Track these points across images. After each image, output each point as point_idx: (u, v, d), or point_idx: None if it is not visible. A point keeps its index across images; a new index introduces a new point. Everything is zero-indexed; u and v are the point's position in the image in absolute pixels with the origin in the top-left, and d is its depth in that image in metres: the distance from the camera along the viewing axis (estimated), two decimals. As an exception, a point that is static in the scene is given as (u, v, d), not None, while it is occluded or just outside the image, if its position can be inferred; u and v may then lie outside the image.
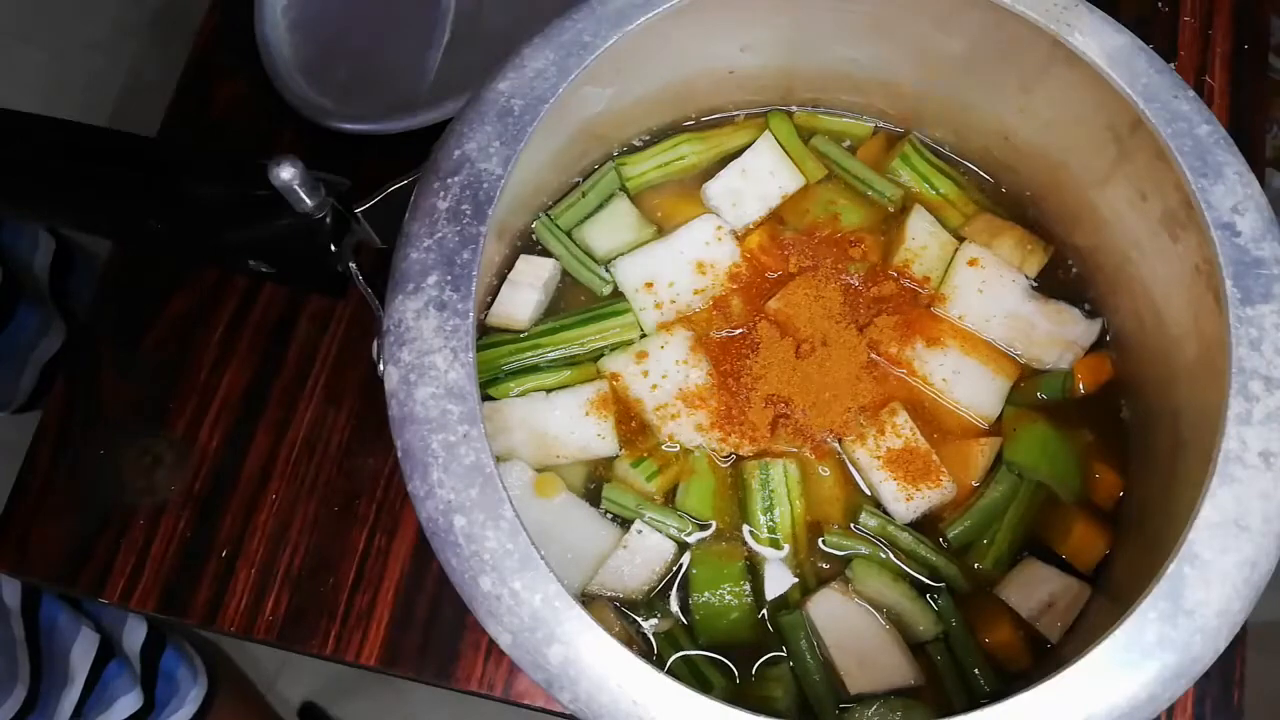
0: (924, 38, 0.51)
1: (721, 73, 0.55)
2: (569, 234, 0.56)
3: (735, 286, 0.55)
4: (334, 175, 0.46)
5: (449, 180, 0.43)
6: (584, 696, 0.36)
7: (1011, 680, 0.48)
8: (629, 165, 0.57)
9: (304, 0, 0.68)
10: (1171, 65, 0.46)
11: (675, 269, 0.54)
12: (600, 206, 0.56)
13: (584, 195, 0.56)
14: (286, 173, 0.42)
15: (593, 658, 0.36)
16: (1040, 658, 0.48)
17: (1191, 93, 0.45)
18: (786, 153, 0.57)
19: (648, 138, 0.58)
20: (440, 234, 0.42)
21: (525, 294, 0.53)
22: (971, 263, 0.55)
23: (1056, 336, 0.54)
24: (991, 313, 0.54)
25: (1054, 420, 0.52)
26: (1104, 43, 0.46)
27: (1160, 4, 0.72)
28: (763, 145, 0.57)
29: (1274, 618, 0.50)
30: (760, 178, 0.56)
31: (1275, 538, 0.38)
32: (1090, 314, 0.54)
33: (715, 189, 0.56)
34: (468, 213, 0.42)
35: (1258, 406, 0.40)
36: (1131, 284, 0.51)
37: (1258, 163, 0.69)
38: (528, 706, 0.58)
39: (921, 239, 0.55)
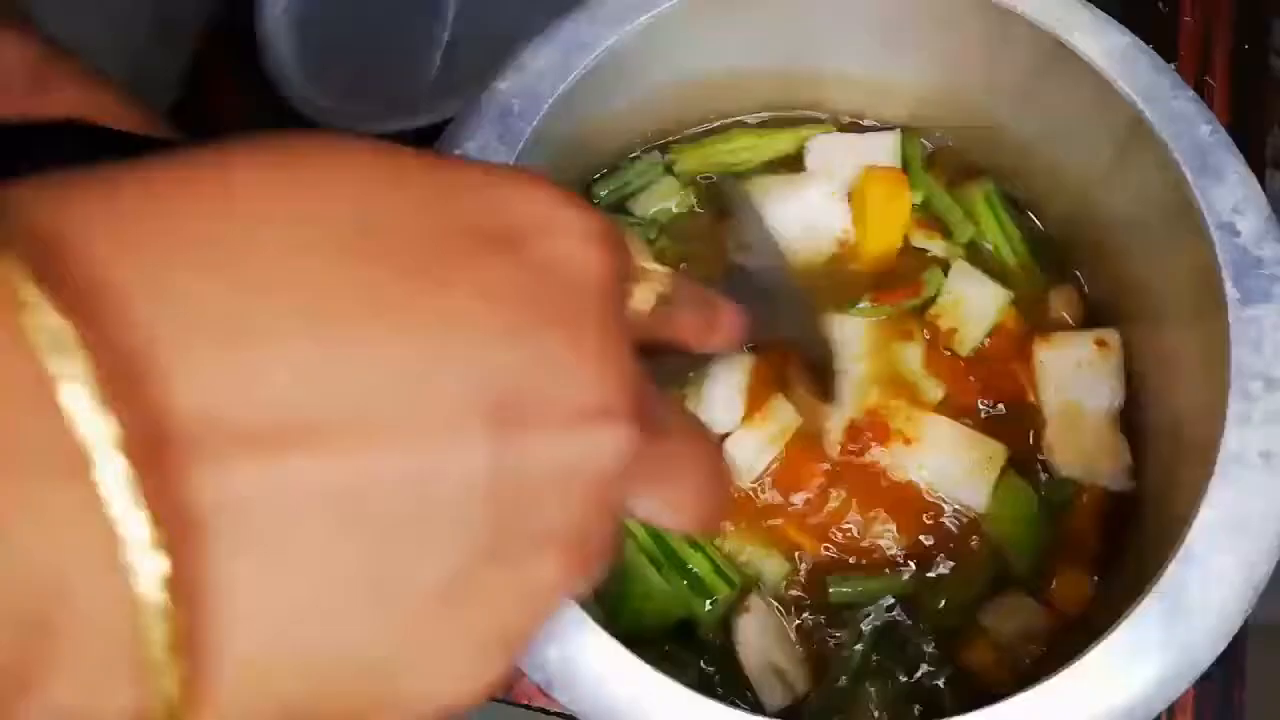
0: (924, 38, 0.51)
1: (721, 73, 0.55)
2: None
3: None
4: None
5: (449, 181, 0.43)
6: (583, 697, 0.36)
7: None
8: (682, 158, 0.57)
9: (304, 0, 0.68)
10: (1172, 65, 0.46)
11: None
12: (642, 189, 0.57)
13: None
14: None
15: (591, 657, 0.36)
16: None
17: (1191, 92, 0.44)
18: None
19: (650, 138, 0.58)
20: (440, 235, 0.42)
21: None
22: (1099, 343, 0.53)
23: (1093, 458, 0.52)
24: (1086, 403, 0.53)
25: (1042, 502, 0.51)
26: (1104, 43, 0.46)
27: (1160, 4, 0.72)
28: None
29: (1274, 618, 0.50)
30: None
31: (1275, 538, 0.38)
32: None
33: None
34: (468, 214, 0.42)
35: (1258, 407, 0.40)
36: (1130, 285, 0.51)
37: (1258, 163, 0.69)
38: (527, 706, 0.58)
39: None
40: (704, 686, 0.47)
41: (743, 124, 0.59)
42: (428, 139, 0.47)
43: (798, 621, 0.49)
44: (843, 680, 0.48)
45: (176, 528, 0.15)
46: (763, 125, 0.59)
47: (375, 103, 0.65)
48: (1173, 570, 0.38)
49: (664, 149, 0.58)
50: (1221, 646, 0.37)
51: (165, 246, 0.17)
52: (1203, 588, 0.37)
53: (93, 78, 0.43)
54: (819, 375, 0.48)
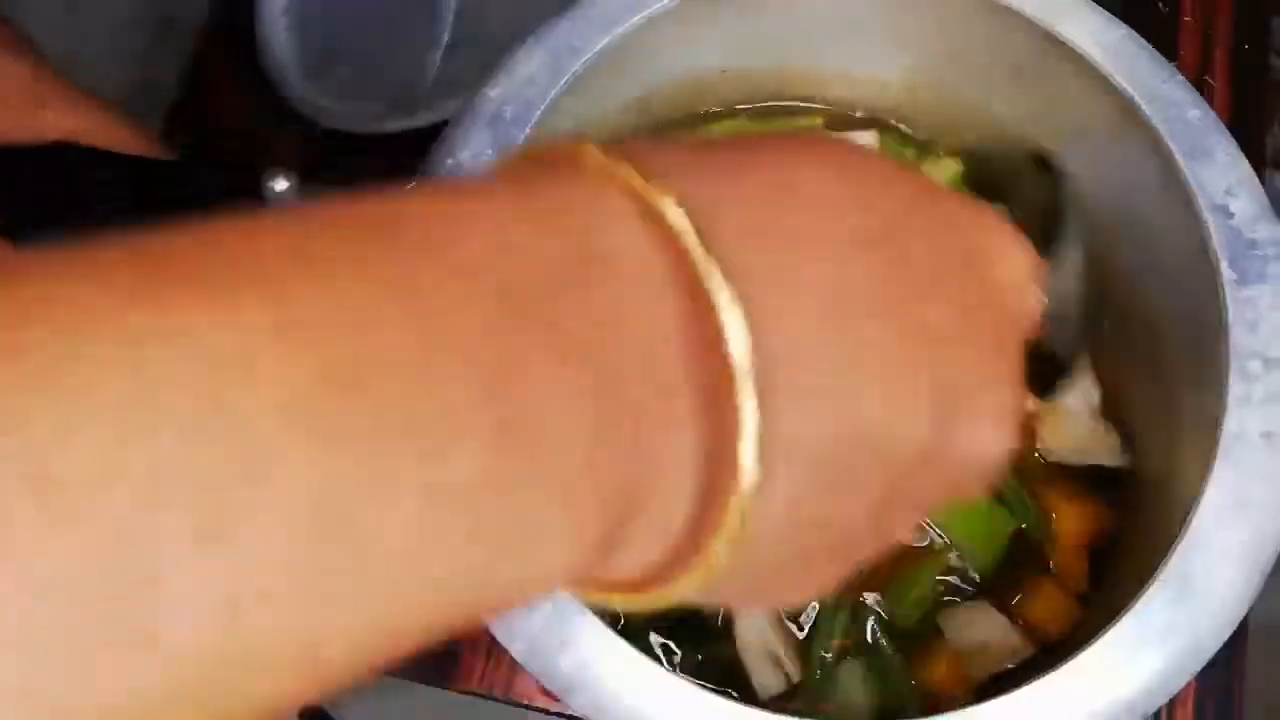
0: (918, 32, 0.51)
1: (714, 71, 0.55)
2: None
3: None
4: (330, 186, 0.46)
5: (444, 189, 0.43)
6: (598, 703, 0.36)
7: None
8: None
9: (304, 0, 0.68)
10: (1172, 65, 0.46)
11: None
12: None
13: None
14: (281, 185, 0.42)
15: (608, 663, 0.36)
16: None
17: (1181, 78, 0.45)
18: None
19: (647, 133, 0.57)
20: (436, 242, 0.42)
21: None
22: None
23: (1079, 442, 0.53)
24: None
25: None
26: (1094, 32, 0.46)
27: (1160, 4, 0.72)
28: None
29: (1274, 617, 0.50)
30: None
31: (1278, 520, 0.38)
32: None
33: None
34: (463, 221, 0.42)
35: (1257, 387, 0.40)
36: (1124, 271, 0.51)
37: (1258, 163, 0.69)
38: (527, 706, 0.57)
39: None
40: (697, 671, 0.47)
41: (736, 111, 0.58)
42: (427, 139, 0.46)
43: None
44: (824, 667, 0.48)
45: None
46: (755, 114, 0.58)
47: (375, 103, 0.66)
48: (1178, 555, 0.37)
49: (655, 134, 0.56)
50: (1228, 632, 0.37)
51: (764, 232, 0.21)
52: (1209, 572, 0.37)
53: (87, 98, 0.43)
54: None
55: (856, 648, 0.49)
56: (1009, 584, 0.50)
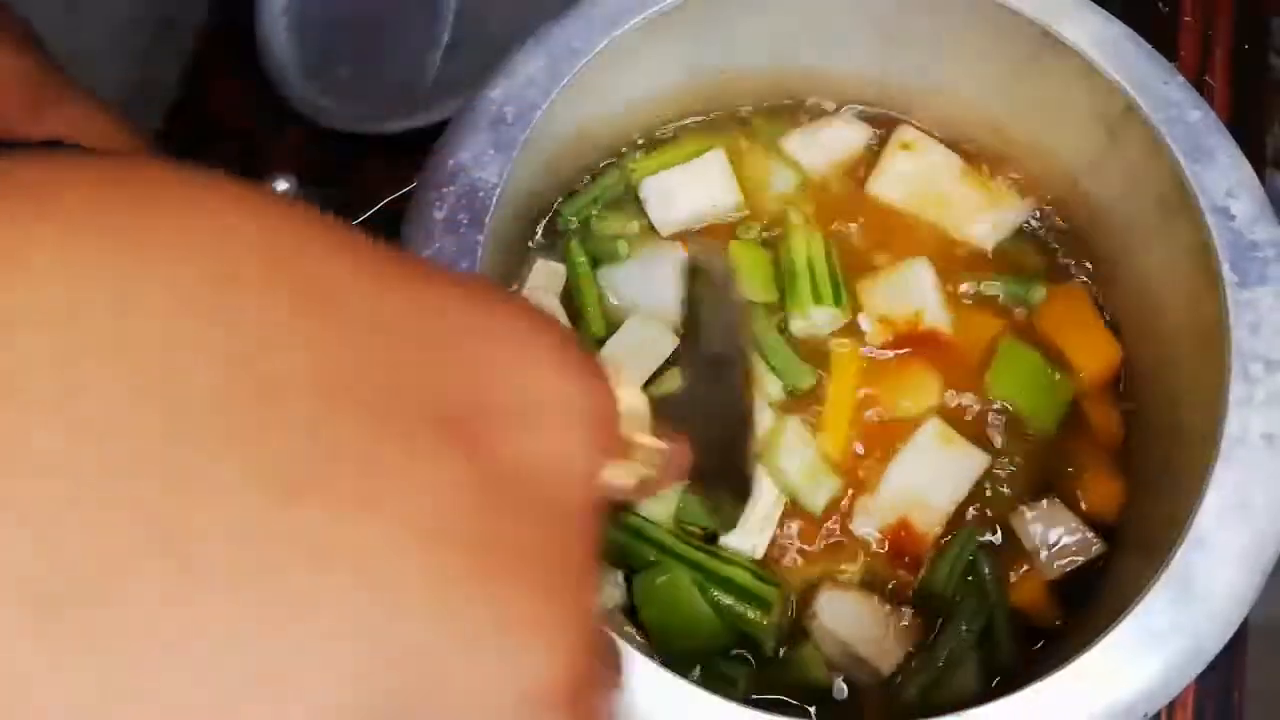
0: (918, 33, 0.51)
1: (714, 72, 0.55)
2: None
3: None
4: (330, 186, 0.46)
5: (444, 190, 0.43)
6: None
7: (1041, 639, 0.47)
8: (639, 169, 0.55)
9: (304, 0, 0.68)
10: (1172, 65, 0.46)
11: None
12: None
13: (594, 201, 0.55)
14: (280, 186, 0.42)
15: (638, 687, 0.35)
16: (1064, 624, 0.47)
17: (1181, 78, 0.45)
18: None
19: (643, 140, 0.57)
20: (437, 245, 0.42)
21: (544, 301, 0.51)
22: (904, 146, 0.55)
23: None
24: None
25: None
26: (1093, 32, 0.46)
27: (1160, 4, 0.72)
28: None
29: (1274, 618, 0.50)
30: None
31: (1279, 522, 0.38)
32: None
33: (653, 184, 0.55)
34: (465, 222, 0.42)
35: (1259, 389, 0.40)
36: (1126, 272, 0.51)
37: (1258, 163, 0.69)
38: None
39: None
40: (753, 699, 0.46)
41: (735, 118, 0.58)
42: (428, 139, 0.46)
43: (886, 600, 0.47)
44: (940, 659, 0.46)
45: None
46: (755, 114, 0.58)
47: (375, 103, 0.66)
48: (1178, 556, 0.37)
49: (621, 162, 0.55)
50: (1229, 633, 0.37)
51: None
52: (1209, 573, 0.37)
53: (86, 98, 0.43)
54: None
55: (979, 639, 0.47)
56: (1061, 474, 0.50)
